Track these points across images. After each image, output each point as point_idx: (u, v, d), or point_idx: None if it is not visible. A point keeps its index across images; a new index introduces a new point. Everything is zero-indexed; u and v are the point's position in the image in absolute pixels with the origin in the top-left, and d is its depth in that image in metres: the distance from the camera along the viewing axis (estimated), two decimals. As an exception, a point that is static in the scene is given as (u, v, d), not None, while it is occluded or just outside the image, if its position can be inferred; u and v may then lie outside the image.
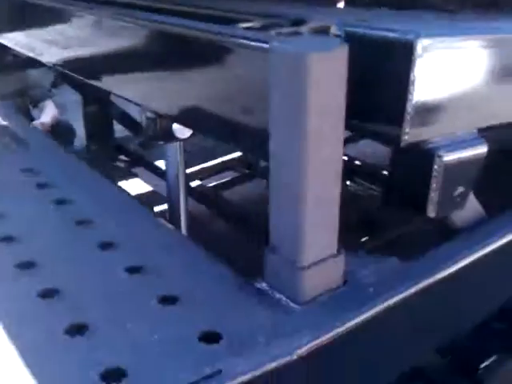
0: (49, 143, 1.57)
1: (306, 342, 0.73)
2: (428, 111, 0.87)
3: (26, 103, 2.55)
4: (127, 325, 0.75)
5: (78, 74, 1.51)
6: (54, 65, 1.60)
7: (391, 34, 0.84)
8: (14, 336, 0.73)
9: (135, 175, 2.54)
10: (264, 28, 0.95)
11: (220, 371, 0.67)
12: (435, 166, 0.90)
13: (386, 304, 0.82)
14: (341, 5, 1.22)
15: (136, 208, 1.14)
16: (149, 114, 1.14)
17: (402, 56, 0.82)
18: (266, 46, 0.77)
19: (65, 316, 0.77)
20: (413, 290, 0.87)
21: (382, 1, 1.35)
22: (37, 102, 2.71)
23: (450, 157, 0.91)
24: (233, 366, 0.68)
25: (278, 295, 0.83)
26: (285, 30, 0.89)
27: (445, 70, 0.87)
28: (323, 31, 0.90)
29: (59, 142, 1.62)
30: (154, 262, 0.91)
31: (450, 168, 0.91)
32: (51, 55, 1.63)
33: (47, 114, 2.50)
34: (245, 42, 0.85)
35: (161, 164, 2.35)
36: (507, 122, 1.02)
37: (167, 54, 1.07)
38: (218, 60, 0.94)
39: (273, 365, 0.69)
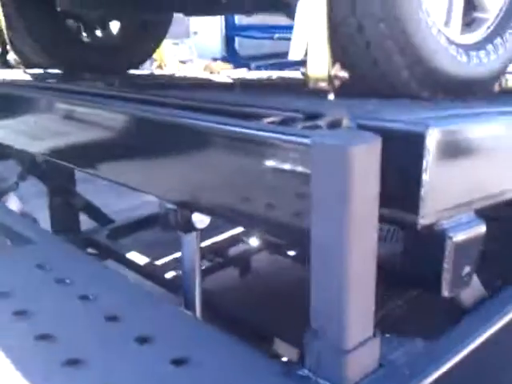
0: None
1: None
2: (440, 196, 0.95)
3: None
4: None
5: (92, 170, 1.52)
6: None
7: (401, 126, 0.93)
8: None
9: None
10: (284, 122, 1.02)
11: None
12: (447, 247, 0.97)
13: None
14: (331, 96, 1.32)
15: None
16: (169, 206, 1.17)
17: (413, 145, 0.91)
18: (306, 140, 0.84)
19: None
20: (441, 369, 0.91)
21: (368, 91, 1.47)
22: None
23: (458, 237, 0.98)
24: None
25: (322, 381, 0.85)
26: (307, 123, 0.96)
27: (453, 155, 0.96)
28: (338, 124, 0.98)
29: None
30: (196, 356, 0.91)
31: (459, 248, 0.98)
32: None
33: (11, 207, 2.45)
34: (285, 137, 0.92)
35: (131, 256, 2.34)
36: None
37: (197, 151, 1.12)
38: (252, 155, 1.00)
39: None
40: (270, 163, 0.97)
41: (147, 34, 3.14)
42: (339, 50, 1.34)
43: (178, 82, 2.87)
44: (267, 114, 1.06)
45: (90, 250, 2.54)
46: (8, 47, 2.65)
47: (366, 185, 0.80)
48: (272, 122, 1.02)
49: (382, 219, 1.11)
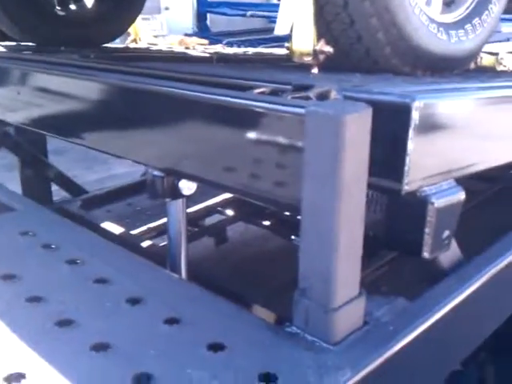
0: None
1: (350, 378, 0.82)
2: (423, 164, 1.00)
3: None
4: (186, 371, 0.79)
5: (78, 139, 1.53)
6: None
7: (389, 98, 0.97)
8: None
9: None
10: (274, 93, 1.05)
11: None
12: (429, 212, 1.03)
13: (406, 339, 0.93)
14: (315, 71, 1.36)
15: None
16: (156, 173, 1.20)
17: (400, 116, 0.95)
18: (300, 110, 0.88)
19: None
20: (423, 326, 0.98)
21: (351, 66, 1.52)
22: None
23: (440, 203, 1.04)
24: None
25: (310, 337, 0.90)
26: (297, 94, 1.00)
27: (437, 127, 1.02)
28: (327, 96, 1.02)
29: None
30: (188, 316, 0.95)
31: (440, 213, 1.04)
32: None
33: None
34: (280, 107, 0.95)
35: (106, 226, 2.35)
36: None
37: (190, 120, 1.15)
38: (246, 124, 1.02)
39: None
40: (263, 132, 1.00)
41: (122, 8, 3.12)
42: (324, 27, 1.39)
43: (155, 55, 2.86)
44: (255, 85, 1.09)
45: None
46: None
47: (357, 152, 0.84)
48: (262, 93, 1.05)
49: (369, 186, 1.18)
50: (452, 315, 1.04)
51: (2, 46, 2.62)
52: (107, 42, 3.17)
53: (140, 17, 9.11)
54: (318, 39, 1.33)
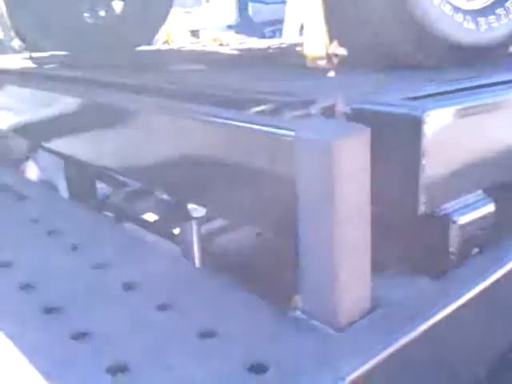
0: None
1: (353, 369, 0.80)
2: (440, 180, 0.96)
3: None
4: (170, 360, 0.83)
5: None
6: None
7: (398, 110, 0.95)
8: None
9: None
10: (276, 111, 1.08)
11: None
12: (452, 231, 1.01)
13: (424, 326, 0.90)
14: (331, 74, 1.44)
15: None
16: (164, 197, 1.32)
17: (410, 130, 0.92)
18: (292, 133, 0.89)
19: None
20: (447, 309, 0.93)
21: (364, 63, 1.54)
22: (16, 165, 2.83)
23: (464, 220, 1.02)
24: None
25: (314, 322, 0.91)
26: (298, 111, 1.04)
27: (452, 138, 0.98)
28: (332, 110, 1.02)
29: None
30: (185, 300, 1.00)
31: (465, 231, 1.03)
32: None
33: (30, 174, 2.63)
34: (271, 130, 0.96)
35: (148, 217, 2.51)
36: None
37: (186, 140, 1.19)
38: (240, 147, 1.05)
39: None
40: (256, 154, 1.00)
41: (150, 12, 3.29)
42: (337, 26, 1.46)
43: (178, 61, 2.98)
44: (261, 99, 1.12)
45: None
46: (12, 33, 2.83)
47: (354, 178, 0.83)
48: (262, 111, 1.08)
49: (383, 207, 1.07)
50: (484, 298, 1.00)
51: (34, 58, 2.81)
52: (138, 46, 3.35)
53: (181, 10, 9.39)
54: (331, 42, 1.39)
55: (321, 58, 1.40)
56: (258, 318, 0.95)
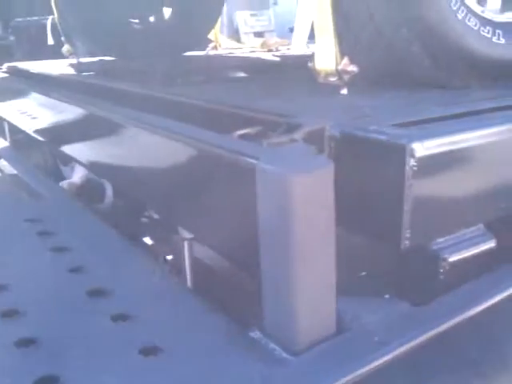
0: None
1: None
2: (427, 214, 0.92)
3: (55, 161, 2.81)
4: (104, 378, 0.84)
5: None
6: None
7: (383, 137, 0.92)
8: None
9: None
10: (260, 135, 1.05)
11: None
12: (441, 269, 0.97)
13: (391, 353, 0.86)
14: (344, 91, 1.39)
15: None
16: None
17: (395, 159, 0.89)
18: (254, 162, 0.88)
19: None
20: (421, 338, 0.90)
21: (379, 81, 1.50)
22: (66, 161, 2.94)
23: (456, 257, 0.98)
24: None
25: (271, 345, 0.89)
26: (278, 139, 0.99)
27: (440, 170, 0.93)
28: (319, 134, 0.99)
29: (87, 199, 1.91)
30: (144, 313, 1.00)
31: (457, 268, 0.98)
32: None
33: (77, 173, 2.72)
34: (235, 156, 0.96)
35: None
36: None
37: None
38: (208, 168, 1.07)
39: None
40: (220, 178, 1.02)
41: (198, 17, 3.37)
42: (351, 40, 1.42)
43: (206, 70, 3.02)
44: (252, 120, 1.12)
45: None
46: (62, 39, 2.97)
47: (315, 211, 0.82)
48: (244, 134, 1.06)
49: (367, 238, 1.06)
50: (464, 327, 0.97)
51: (83, 63, 2.93)
52: (186, 52, 3.44)
53: (248, 13, 9.63)
54: (342, 57, 1.35)
55: (332, 74, 1.37)
56: (213, 337, 0.94)
